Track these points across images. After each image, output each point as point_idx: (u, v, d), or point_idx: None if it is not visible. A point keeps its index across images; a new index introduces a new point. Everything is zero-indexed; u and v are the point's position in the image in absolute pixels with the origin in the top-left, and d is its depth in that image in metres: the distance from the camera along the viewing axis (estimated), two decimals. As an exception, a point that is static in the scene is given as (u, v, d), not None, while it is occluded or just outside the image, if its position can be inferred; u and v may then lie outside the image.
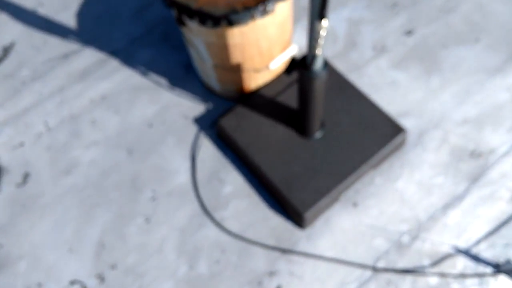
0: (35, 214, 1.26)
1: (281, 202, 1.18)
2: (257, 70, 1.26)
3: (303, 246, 1.14)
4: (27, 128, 1.40)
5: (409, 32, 1.45)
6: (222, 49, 1.16)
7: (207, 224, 1.20)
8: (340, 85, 1.29)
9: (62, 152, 1.35)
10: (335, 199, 1.18)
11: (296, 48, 1.32)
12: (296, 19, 1.41)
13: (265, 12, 1.06)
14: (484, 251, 1.11)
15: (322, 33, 0.85)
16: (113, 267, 1.16)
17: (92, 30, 1.57)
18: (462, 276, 1.08)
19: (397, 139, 1.21)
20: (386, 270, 1.09)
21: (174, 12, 1.10)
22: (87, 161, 1.32)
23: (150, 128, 1.36)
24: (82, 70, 1.49)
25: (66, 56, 1.53)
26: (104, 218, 1.23)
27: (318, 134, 1.21)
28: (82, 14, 1.61)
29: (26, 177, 1.32)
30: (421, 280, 1.08)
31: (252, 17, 1.05)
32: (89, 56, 1.52)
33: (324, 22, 0.82)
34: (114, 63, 1.49)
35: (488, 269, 1.09)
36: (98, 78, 1.47)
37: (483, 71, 1.36)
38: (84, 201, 1.26)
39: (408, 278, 1.09)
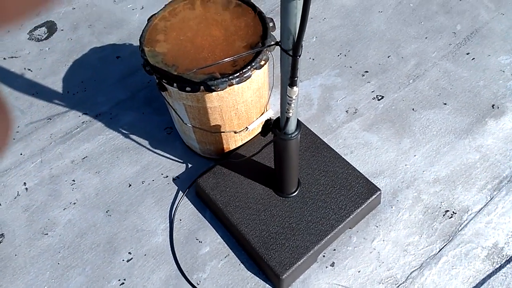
0: (6, 277, 1.22)
1: (259, 263, 1.18)
2: (235, 132, 1.30)
3: (281, 309, 1.12)
4: (5, 189, 1.40)
5: (379, 97, 1.53)
6: (201, 112, 1.21)
7: (183, 287, 1.17)
8: (316, 146, 1.33)
9: (39, 213, 1.34)
10: (313, 260, 1.18)
11: (272, 112, 1.38)
12: (274, 86, 1.49)
13: (242, 79, 1.12)
14: (463, 311, 1.10)
15: (293, 98, 0.90)
16: (84, 333, 1.12)
17: (78, 94, 1.63)
18: (442, 338, 1.06)
19: (373, 199, 1.23)
20: (365, 333, 1.07)
21: (155, 78, 1.16)
22: (64, 222, 1.31)
23: (129, 188, 1.37)
24: (65, 132, 1.52)
25: (50, 119, 1.56)
26: (77, 280, 1.20)
27: (295, 193, 1.23)
28: (69, 79, 1.68)
29: None
30: None
31: (229, 83, 1.11)
32: (73, 118, 1.56)
33: (295, 89, 0.88)
34: (97, 125, 1.53)
35: (468, 331, 1.07)
36: (80, 140, 1.50)
37: (452, 133, 1.43)
38: (58, 263, 1.23)
39: None
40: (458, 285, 1.14)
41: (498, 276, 1.15)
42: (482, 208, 1.26)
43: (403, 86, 1.55)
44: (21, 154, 1.48)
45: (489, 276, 1.15)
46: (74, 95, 1.62)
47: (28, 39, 1.83)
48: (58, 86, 1.65)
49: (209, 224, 1.28)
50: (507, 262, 1.17)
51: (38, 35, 1.84)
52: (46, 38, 1.82)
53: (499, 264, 1.17)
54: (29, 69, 1.72)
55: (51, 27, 1.85)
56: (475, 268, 1.16)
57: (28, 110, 1.59)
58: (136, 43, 1.76)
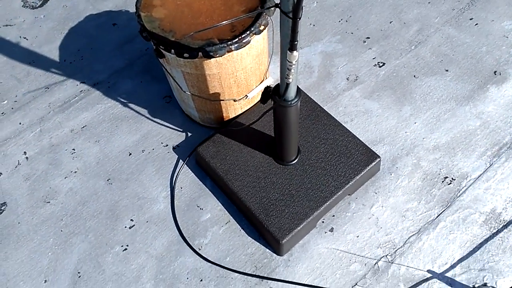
0: (10, 244, 1.24)
1: (259, 229, 1.19)
2: (234, 100, 1.29)
3: (281, 273, 1.15)
4: (5, 158, 1.40)
5: (381, 64, 1.51)
6: (200, 80, 1.20)
7: (185, 252, 1.19)
8: (316, 114, 1.33)
9: (40, 181, 1.35)
10: (313, 225, 1.19)
11: (272, 80, 1.36)
12: (274, 53, 1.47)
13: (241, 45, 1.10)
14: (459, 275, 1.12)
15: (293, 63, 0.89)
16: (89, 297, 1.15)
17: (75, 62, 1.61)
18: (438, 300, 1.09)
19: (372, 166, 1.24)
20: (363, 295, 1.10)
21: (152, 45, 1.14)
22: (66, 190, 1.32)
23: (129, 157, 1.38)
24: (64, 101, 1.51)
25: (48, 88, 1.55)
26: (81, 247, 1.22)
27: (294, 161, 1.24)
28: (65, 47, 1.65)
29: (2, 207, 1.31)
30: (398, 305, 1.09)
31: (228, 49, 1.09)
32: (71, 87, 1.55)
33: (294, 53, 0.86)
34: (95, 94, 1.52)
35: (464, 293, 1.10)
36: (79, 109, 1.49)
37: (453, 100, 1.42)
38: (61, 231, 1.25)
39: (385, 303, 1.09)
40: (455, 249, 1.16)
41: (495, 240, 1.16)
42: (481, 174, 1.27)
43: (404, 53, 1.53)
44: (20, 124, 1.47)
45: (486, 240, 1.17)
46: (71, 64, 1.60)
47: (22, 6, 1.79)
48: (54, 55, 1.63)
49: (210, 192, 1.29)
50: (504, 227, 1.18)
51: (33, 2, 1.80)
52: (41, 5, 1.78)
53: (496, 229, 1.18)
54: (24, 38, 1.69)
55: (45, -6, 1.80)
56: (473, 233, 1.18)
57: (25, 79, 1.58)
58: (133, 10, 1.73)
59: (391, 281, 1.12)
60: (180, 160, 1.35)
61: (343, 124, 1.32)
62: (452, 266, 1.13)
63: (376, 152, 1.27)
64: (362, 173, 1.22)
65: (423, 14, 1.62)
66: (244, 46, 1.11)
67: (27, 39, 1.68)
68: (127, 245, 1.21)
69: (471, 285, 1.11)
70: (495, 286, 1.10)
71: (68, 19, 1.73)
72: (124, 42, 1.64)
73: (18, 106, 1.51)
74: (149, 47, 1.62)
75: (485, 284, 1.10)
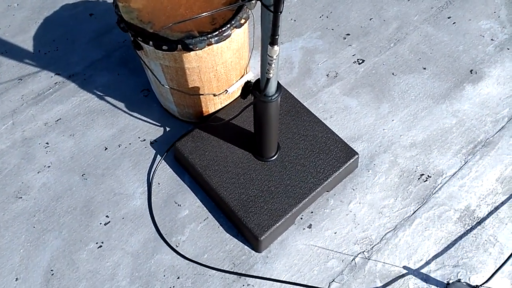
0: (-21, 241, 1.20)
1: (237, 225, 1.19)
2: (214, 95, 1.28)
3: (259, 270, 1.14)
4: (-25, 152, 1.35)
5: (360, 61, 1.52)
6: (179, 73, 1.18)
7: (162, 249, 1.18)
8: (296, 110, 1.32)
9: (12, 176, 1.30)
10: (291, 222, 1.19)
11: (252, 75, 1.35)
12: (254, 48, 1.46)
13: (221, 38, 1.09)
14: (434, 271, 1.14)
15: (274, 58, 0.88)
16: (62, 295, 1.12)
17: (50, 53, 1.56)
18: (413, 295, 1.11)
19: (351, 163, 1.24)
20: (340, 291, 1.11)
21: (130, 36, 1.12)
22: (39, 186, 1.29)
23: (105, 151, 1.35)
24: (37, 93, 1.47)
25: (21, 79, 1.50)
26: (54, 244, 1.19)
27: (274, 157, 1.23)
28: (40, 37, 1.60)
29: (-29, 202, 1.26)
30: (374, 301, 1.10)
31: (208, 43, 1.07)
32: (45, 79, 1.50)
33: (275, 48, 0.85)
34: (70, 87, 1.48)
35: (438, 288, 1.12)
36: (53, 101, 1.45)
37: (430, 98, 1.43)
38: (33, 227, 1.22)
39: (361, 299, 1.10)
40: (431, 246, 1.18)
41: (469, 237, 1.19)
42: (456, 172, 1.29)
43: (384, 50, 1.54)
44: (-10, 116, 1.42)
45: (461, 237, 1.19)
46: (46, 55, 1.55)
47: (-7, -7, 1.72)
48: (28, 45, 1.58)
49: (188, 188, 1.27)
50: (478, 223, 1.21)
51: (5, -11, 1.73)
52: (13, -7, 1.72)
53: (470, 226, 1.21)
54: (-4, 26, 1.63)
55: (18, -19, 1.74)
56: (447, 230, 1.20)
57: (-4, 70, 1.52)
58: (110, 0, 1.68)
59: (368, 277, 1.13)
60: (158, 155, 1.33)
61: (322, 120, 1.32)
62: (427, 263, 1.15)
63: (354, 149, 1.27)
64: (341, 169, 1.22)
65: (403, 11, 1.63)
66: (225, 40, 1.10)
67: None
68: (102, 242, 1.19)
69: (445, 281, 1.13)
70: (468, 282, 1.12)
71: (43, 8, 1.67)
72: (101, 33, 1.60)
73: (-12, 97, 1.46)
74: (127, 39, 1.59)
75: (459, 280, 1.12)
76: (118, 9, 1.12)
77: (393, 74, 1.49)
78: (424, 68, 1.50)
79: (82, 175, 1.30)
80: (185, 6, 1.13)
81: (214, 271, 1.14)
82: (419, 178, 1.28)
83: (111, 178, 1.29)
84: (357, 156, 1.25)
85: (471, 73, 1.48)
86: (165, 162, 1.32)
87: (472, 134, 1.36)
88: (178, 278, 1.14)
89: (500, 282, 1.12)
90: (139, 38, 1.09)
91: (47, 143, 1.36)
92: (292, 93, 1.38)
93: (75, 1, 1.69)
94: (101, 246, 1.18)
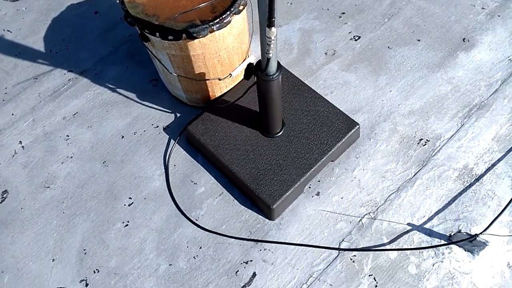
0: (15, 229, 1.30)
1: (251, 197, 1.28)
2: (219, 79, 1.36)
3: (274, 235, 1.24)
4: (2, 148, 1.45)
5: (356, 38, 1.59)
6: (185, 61, 1.26)
7: (183, 224, 1.27)
8: (298, 88, 1.40)
9: (38, 168, 1.40)
10: (300, 191, 1.28)
11: (253, 58, 1.43)
12: (254, 32, 1.53)
13: (222, 25, 1.17)
14: (437, 226, 1.23)
15: (272, 39, 0.95)
16: (96, 271, 1.22)
17: (61, 52, 1.65)
18: (419, 249, 1.19)
19: (352, 133, 1.32)
20: (349, 249, 1.20)
21: (137, 29, 1.20)
22: (64, 175, 1.38)
23: (122, 139, 1.44)
24: (53, 90, 1.56)
25: (36, 78, 1.59)
26: (84, 226, 1.29)
27: (280, 133, 1.32)
28: (49, 38, 1.68)
29: (3, 194, 1.36)
30: (382, 256, 1.19)
31: (210, 30, 1.15)
32: (59, 76, 1.59)
33: (273, 30, 0.93)
34: (83, 82, 1.57)
35: (442, 241, 1.20)
36: (69, 97, 1.54)
37: (425, 68, 1.50)
38: (63, 212, 1.32)
39: (370, 255, 1.19)
40: (432, 203, 1.26)
41: (468, 193, 1.27)
42: (453, 134, 1.37)
43: (378, 26, 1.61)
44: (12, 115, 1.52)
45: (460, 193, 1.27)
46: (57, 53, 1.64)
47: (2, -1, 1.81)
48: (40, 46, 1.67)
49: (202, 167, 1.36)
50: (476, 180, 1.29)
51: (12, -5, 1.82)
52: (21, -2, 1.80)
53: (469, 183, 1.28)
54: (8, 30, 1.71)
55: (24, -14, 1.82)
56: (448, 188, 1.28)
57: (13, 71, 1.61)
58: (114, -3, 1.76)
59: (375, 235, 1.22)
60: (172, 140, 1.42)
61: (323, 96, 1.40)
62: (430, 218, 1.24)
63: (355, 120, 1.35)
64: (343, 140, 1.30)
65: (394, -13, 1.69)
66: (225, 26, 1.18)
67: (10, 32, 1.71)
68: (128, 221, 1.29)
69: (447, 234, 1.21)
70: (469, 232, 1.21)
71: (50, 10, 1.76)
72: (107, 30, 1.68)
73: (9, 98, 1.55)
74: (132, 33, 1.67)
75: (459, 231, 1.21)
76: (124, 5, 1.20)
77: (388, 47, 1.56)
78: (419, 40, 1.56)
79: (103, 163, 1.40)
80: (187, -3, 1.20)
81: (233, 239, 1.23)
82: (418, 143, 1.36)
83: (130, 163, 1.39)
84: (358, 126, 1.33)
85: (464, 41, 1.55)
86: (178, 146, 1.41)
87: (467, 98, 1.43)
88: (201, 248, 1.23)
89: (499, 231, 1.20)
90: (146, 31, 1.17)
91: (68, 136, 1.46)
92: (293, 73, 1.45)
93: (80, 0, 1.77)
94: (127, 225, 1.28)
